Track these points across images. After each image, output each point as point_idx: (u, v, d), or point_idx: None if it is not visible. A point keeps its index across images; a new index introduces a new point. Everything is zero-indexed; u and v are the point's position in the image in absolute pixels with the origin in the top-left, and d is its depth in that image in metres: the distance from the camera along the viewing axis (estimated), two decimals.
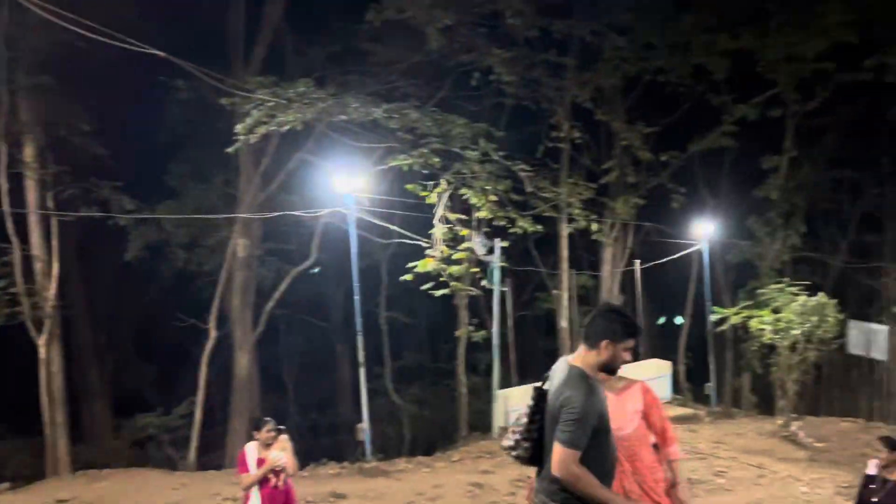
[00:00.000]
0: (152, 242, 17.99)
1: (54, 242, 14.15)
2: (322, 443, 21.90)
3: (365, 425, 14.62)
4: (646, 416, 3.90)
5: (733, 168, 24.81)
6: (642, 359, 21.98)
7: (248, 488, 6.31)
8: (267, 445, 6.38)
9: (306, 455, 19.99)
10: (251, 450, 6.40)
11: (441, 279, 14.21)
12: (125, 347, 24.01)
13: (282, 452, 6.38)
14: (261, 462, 6.30)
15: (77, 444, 15.72)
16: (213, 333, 15.85)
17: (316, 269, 20.27)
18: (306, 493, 11.03)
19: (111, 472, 12.80)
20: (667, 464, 3.98)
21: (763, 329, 15.99)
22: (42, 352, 13.80)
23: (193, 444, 15.16)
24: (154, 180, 19.14)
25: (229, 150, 14.55)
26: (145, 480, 12.11)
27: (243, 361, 16.23)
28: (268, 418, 6.58)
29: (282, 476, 6.34)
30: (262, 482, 6.29)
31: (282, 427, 6.61)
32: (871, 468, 5.57)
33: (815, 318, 15.18)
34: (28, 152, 13.83)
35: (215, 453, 18.83)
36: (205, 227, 17.97)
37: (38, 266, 14.00)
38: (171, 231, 17.66)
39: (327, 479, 12.60)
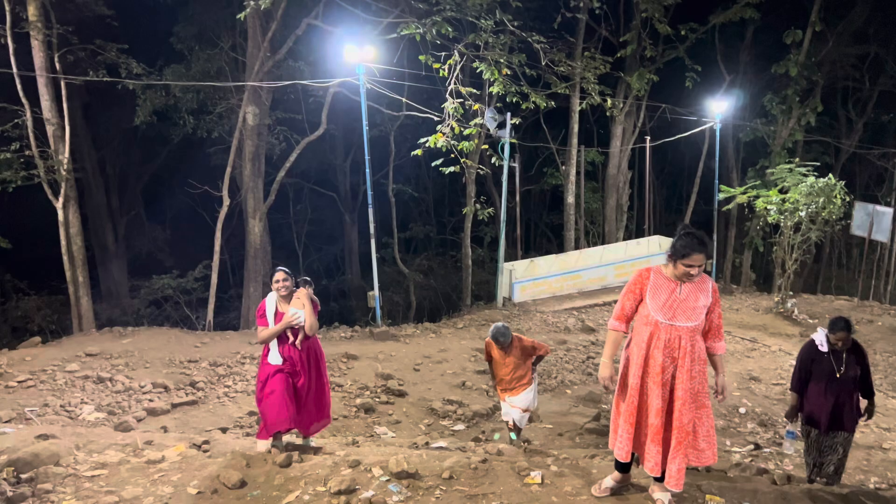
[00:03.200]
0: (160, 107, 17.82)
1: (65, 105, 14.07)
2: (332, 307, 22.74)
3: (375, 292, 15.13)
4: (709, 312, 4.22)
5: (753, 42, 24.05)
6: (647, 235, 22.39)
7: (264, 342, 5.85)
8: (288, 297, 5.90)
9: (318, 318, 20.93)
10: (270, 301, 5.91)
11: (451, 156, 14.20)
12: (137, 211, 24.37)
13: (301, 310, 5.83)
14: (279, 317, 5.83)
15: (97, 303, 16.33)
16: (226, 201, 16.05)
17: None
18: None
19: (134, 330, 13.42)
20: (710, 356, 4.37)
21: (769, 208, 16.13)
22: (60, 214, 14.08)
23: (211, 305, 15.75)
24: (160, 42, 18.70)
25: (239, 15, 14.13)
26: (167, 338, 12.69)
27: (256, 229, 16.52)
28: (281, 267, 6.08)
29: (300, 335, 5.84)
30: (281, 338, 5.84)
31: (306, 279, 6.11)
32: (824, 344, 5.70)
33: (821, 200, 15.26)
34: (31, 10, 13.45)
35: (230, 314, 19.67)
36: (213, 94, 17.75)
37: (49, 129, 13.99)
38: (180, 96, 17.43)
39: (340, 341, 13.25)
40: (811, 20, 20.11)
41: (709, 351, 4.32)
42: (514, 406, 7.00)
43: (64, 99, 14.07)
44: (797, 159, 17.92)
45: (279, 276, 5.91)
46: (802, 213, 15.64)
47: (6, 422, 7.38)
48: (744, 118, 23.28)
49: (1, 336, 16.81)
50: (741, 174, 24.39)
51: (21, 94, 13.67)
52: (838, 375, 5.61)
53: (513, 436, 7.28)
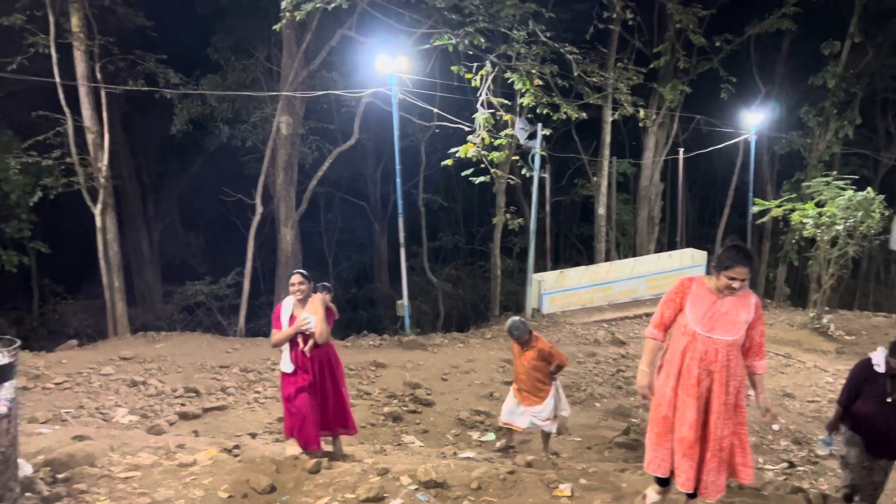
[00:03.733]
0: (196, 116, 18.16)
1: (104, 114, 14.42)
2: (361, 315, 22.85)
3: (404, 301, 15.17)
4: (750, 328, 4.11)
5: (790, 53, 23.73)
6: (679, 248, 22.14)
7: (276, 345, 5.79)
8: (304, 303, 5.77)
9: (347, 326, 21.04)
10: (287, 305, 5.80)
11: (482, 166, 14.22)
12: (172, 218, 24.81)
13: (312, 315, 5.68)
14: (294, 321, 5.73)
15: (131, 308, 16.66)
16: (259, 209, 16.27)
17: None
18: (349, 361, 11.73)
19: (167, 335, 13.64)
20: (750, 375, 4.25)
21: (805, 222, 15.85)
22: (98, 220, 14.42)
23: (243, 311, 15.95)
24: (197, 53, 19.08)
25: (275, 27, 14.36)
26: (199, 343, 12.89)
27: (288, 237, 16.72)
28: (299, 270, 5.92)
29: (310, 342, 5.68)
30: (292, 343, 5.73)
31: (325, 285, 6.00)
32: (881, 365, 5.33)
33: (859, 214, 14.95)
34: (74, 21, 13.84)
35: (261, 321, 19.87)
36: (248, 103, 18.03)
37: (89, 137, 14.35)
38: (215, 106, 17.75)
39: (368, 349, 13.30)
40: (850, 31, 19.77)
41: (748, 369, 4.20)
42: (535, 417, 7.02)
43: (104, 108, 14.43)
44: (835, 172, 17.58)
45: (295, 279, 5.79)
46: (840, 228, 15.33)
47: (43, 422, 7.53)
48: (779, 130, 22.93)
49: (39, 339, 17.20)
50: (776, 187, 23.99)
51: (63, 102, 14.07)
52: (889, 400, 5.14)
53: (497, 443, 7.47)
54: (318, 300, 5.75)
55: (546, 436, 7.29)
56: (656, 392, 4.28)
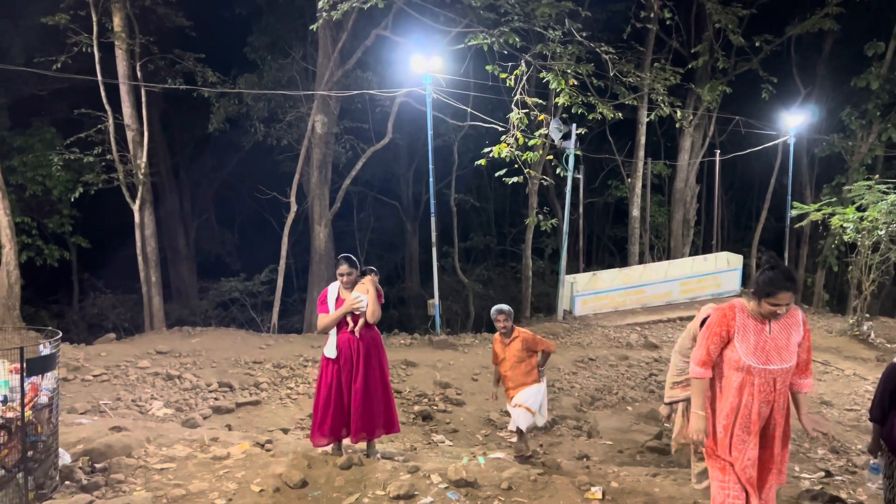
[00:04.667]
0: (233, 115, 18.41)
1: (144, 112, 14.70)
2: (392, 314, 22.93)
3: (436, 301, 15.19)
4: (798, 346, 3.88)
5: (831, 55, 23.21)
6: (714, 251, 21.82)
7: (323, 330, 5.64)
8: (351, 287, 5.67)
9: (378, 324, 21.13)
10: (332, 289, 5.69)
11: (515, 166, 14.16)
12: (208, 215, 25.19)
13: (365, 295, 5.61)
14: (340, 303, 5.61)
15: (167, 303, 16.95)
16: (293, 207, 16.43)
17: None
18: None
19: (202, 330, 13.85)
20: (794, 394, 4.01)
21: (845, 227, 15.49)
22: (136, 216, 14.71)
23: (276, 308, 16.12)
24: (234, 52, 19.34)
25: (312, 26, 14.49)
26: (233, 339, 13.06)
27: (321, 235, 16.85)
28: (346, 255, 5.78)
29: (360, 321, 5.58)
30: (340, 326, 5.60)
31: (372, 268, 5.93)
32: None
33: None
34: (116, 21, 14.14)
35: (294, 318, 20.07)
36: (283, 102, 18.22)
37: (129, 135, 14.64)
38: (251, 104, 17.97)
39: (399, 348, 13.34)
40: (894, 31, 19.29)
41: (792, 387, 3.94)
42: (518, 405, 6.28)
43: (144, 106, 14.71)
44: (877, 176, 17.16)
45: (343, 268, 5.62)
46: (882, 232, 14.95)
47: (82, 413, 7.70)
48: (819, 132, 22.45)
49: (79, 332, 17.59)
50: (815, 191, 23.48)
51: (105, 100, 14.37)
52: None
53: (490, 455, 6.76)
54: (370, 281, 5.68)
55: (519, 431, 6.58)
56: (710, 433, 3.98)
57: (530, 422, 6.29)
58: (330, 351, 5.59)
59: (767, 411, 3.82)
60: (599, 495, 4.81)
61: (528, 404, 6.21)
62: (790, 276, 3.70)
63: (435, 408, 9.61)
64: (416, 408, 9.47)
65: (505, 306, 6.47)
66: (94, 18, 14.04)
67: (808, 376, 3.92)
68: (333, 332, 5.61)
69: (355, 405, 5.52)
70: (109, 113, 14.44)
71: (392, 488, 4.79)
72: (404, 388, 10.37)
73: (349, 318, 5.60)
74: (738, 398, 3.80)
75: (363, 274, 5.76)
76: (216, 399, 9.17)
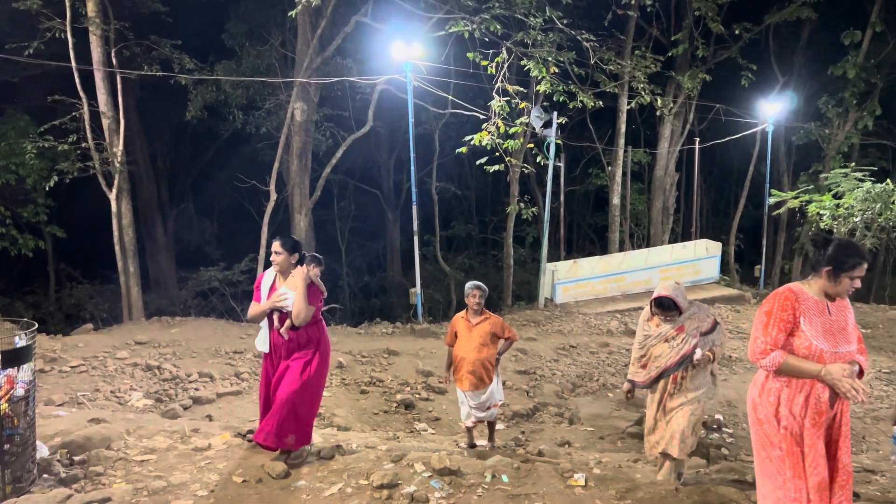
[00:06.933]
0: (210, 102, 18.16)
1: (120, 99, 14.46)
2: (373, 303, 22.90)
3: (417, 290, 15.17)
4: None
5: (809, 43, 23.42)
6: (694, 238, 22.01)
7: (251, 320, 5.06)
8: (286, 275, 5.00)
9: (360, 314, 21.06)
10: (269, 275, 5.04)
11: (496, 154, 14.14)
12: (186, 204, 24.90)
13: (292, 291, 4.88)
14: (273, 292, 4.98)
15: (146, 293, 16.74)
16: (273, 195, 16.29)
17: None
18: (362, 348, 11.77)
19: (182, 320, 13.70)
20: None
21: (821, 214, 15.67)
22: (113, 205, 14.49)
23: None
24: (212, 39, 19.06)
25: (291, 13, 14.32)
26: (213, 329, 12.93)
27: (301, 224, 16.73)
28: (282, 237, 5.09)
29: (286, 322, 4.90)
30: (271, 321, 4.98)
31: (315, 256, 5.25)
32: None
33: (877, 206, 14.73)
34: (90, 6, 13.87)
35: None
36: (262, 90, 18.02)
37: (105, 122, 14.40)
38: (230, 92, 17.74)
39: (381, 337, 13.33)
40: (871, 20, 19.48)
41: None
42: (482, 409, 6.28)
43: (119, 93, 14.47)
44: (853, 164, 17.36)
45: (275, 245, 4.97)
46: (857, 220, 15.14)
47: (60, 405, 7.60)
48: (797, 121, 22.68)
49: (55, 322, 17.36)
50: (793, 178, 23.76)
51: (79, 87, 14.11)
52: None
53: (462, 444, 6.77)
54: (300, 274, 4.89)
55: (492, 426, 6.73)
56: (769, 423, 3.58)
57: (495, 414, 6.62)
58: (261, 344, 5.06)
59: (839, 405, 3.54)
60: (582, 482, 4.84)
61: (493, 401, 6.39)
62: (863, 249, 3.56)
63: (417, 396, 9.61)
64: (399, 396, 9.47)
65: (481, 283, 6.22)
66: (68, 3, 13.76)
67: (865, 354, 3.67)
68: (265, 322, 5.02)
69: (273, 407, 5.01)
70: (84, 100, 14.19)
71: (376, 477, 4.78)
72: (386, 377, 10.37)
73: (276, 317, 4.96)
74: (810, 385, 3.48)
75: (301, 262, 5.04)
76: (196, 389, 9.09)
